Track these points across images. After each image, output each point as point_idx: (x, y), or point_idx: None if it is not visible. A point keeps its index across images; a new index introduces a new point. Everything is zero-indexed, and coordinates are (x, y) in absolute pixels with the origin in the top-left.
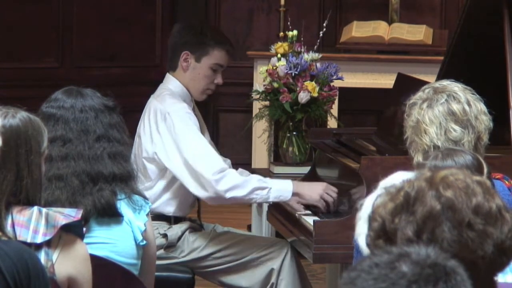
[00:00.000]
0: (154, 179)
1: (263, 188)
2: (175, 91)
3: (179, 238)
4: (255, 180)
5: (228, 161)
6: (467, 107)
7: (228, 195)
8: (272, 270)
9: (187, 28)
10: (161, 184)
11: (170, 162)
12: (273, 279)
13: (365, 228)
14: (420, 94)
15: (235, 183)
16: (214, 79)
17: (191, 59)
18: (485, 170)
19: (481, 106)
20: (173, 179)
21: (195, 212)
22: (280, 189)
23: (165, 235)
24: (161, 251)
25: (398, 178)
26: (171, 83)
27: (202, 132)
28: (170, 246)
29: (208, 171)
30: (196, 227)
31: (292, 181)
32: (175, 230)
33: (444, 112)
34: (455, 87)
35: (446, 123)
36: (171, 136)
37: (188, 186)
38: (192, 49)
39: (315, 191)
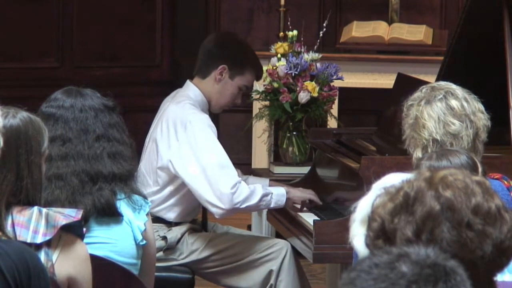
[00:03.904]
0: (162, 185)
1: (267, 195)
2: (195, 99)
3: (179, 240)
4: (260, 187)
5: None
6: (465, 103)
7: (243, 205)
8: (271, 271)
9: (231, 42)
10: (168, 190)
11: (185, 171)
12: (272, 281)
13: (359, 229)
14: (418, 94)
15: (247, 193)
16: (236, 98)
17: (226, 74)
18: (480, 170)
19: (479, 105)
20: (180, 187)
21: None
22: (278, 193)
23: (164, 238)
24: (160, 254)
25: (390, 179)
26: (191, 91)
27: None
28: (170, 248)
29: (226, 185)
30: (196, 228)
31: (282, 187)
32: (175, 233)
33: (443, 107)
34: (453, 85)
35: (444, 117)
36: (190, 145)
37: (203, 196)
38: (230, 65)
39: (304, 191)
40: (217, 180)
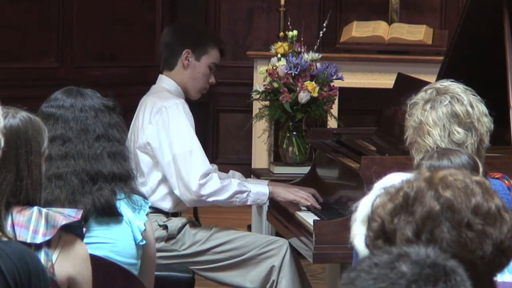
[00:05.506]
0: (147, 173)
1: (243, 192)
2: (171, 90)
3: (180, 230)
4: (235, 184)
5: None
6: (470, 109)
7: (210, 199)
8: (272, 267)
9: (186, 27)
10: (156, 177)
11: (161, 154)
12: (273, 277)
13: (360, 229)
14: (422, 95)
15: (217, 187)
16: (209, 79)
17: (192, 57)
18: (481, 170)
19: (483, 108)
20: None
21: (190, 211)
22: (258, 192)
23: (165, 227)
24: (162, 243)
25: (392, 179)
26: (165, 83)
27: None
28: (171, 238)
29: (195, 174)
30: (195, 223)
31: (267, 185)
32: (175, 222)
33: (448, 114)
34: (457, 88)
35: (449, 125)
36: (164, 130)
37: (172, 184)
38: (193, 48)
39: (289, 191)
40: (186, 170)
